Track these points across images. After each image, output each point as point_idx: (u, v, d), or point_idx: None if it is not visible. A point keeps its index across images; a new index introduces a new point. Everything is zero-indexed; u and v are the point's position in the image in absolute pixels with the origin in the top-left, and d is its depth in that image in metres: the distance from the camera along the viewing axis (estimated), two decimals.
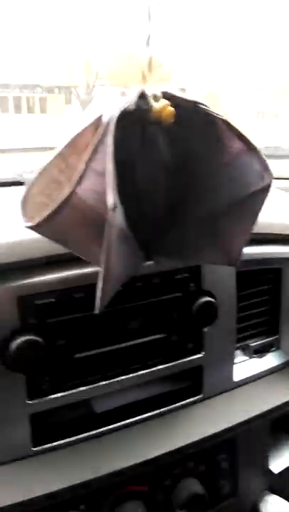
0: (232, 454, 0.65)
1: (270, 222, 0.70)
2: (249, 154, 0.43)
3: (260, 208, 0.46)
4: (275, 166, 1.32)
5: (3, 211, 0.70)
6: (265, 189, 0.44)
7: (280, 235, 0.71)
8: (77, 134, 0.38)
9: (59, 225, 0.37)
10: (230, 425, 0.63)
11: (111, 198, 0.33)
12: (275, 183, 1.22)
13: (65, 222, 0.36)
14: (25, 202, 0.38)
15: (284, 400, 0.68)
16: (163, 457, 0.58)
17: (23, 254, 0.50)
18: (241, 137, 0.42)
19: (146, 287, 0.57)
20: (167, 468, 0.60)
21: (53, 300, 0.51)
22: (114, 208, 0.34)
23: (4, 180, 0.97)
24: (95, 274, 0.51)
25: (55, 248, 0.51)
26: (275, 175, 1.26)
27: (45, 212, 0.36)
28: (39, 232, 0.39)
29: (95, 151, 0.35)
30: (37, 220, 0.36)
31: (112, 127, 0.35)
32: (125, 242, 0.40)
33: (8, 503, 0.49)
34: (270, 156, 1.32)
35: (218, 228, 0.47)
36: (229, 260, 0.49)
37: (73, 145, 0.39)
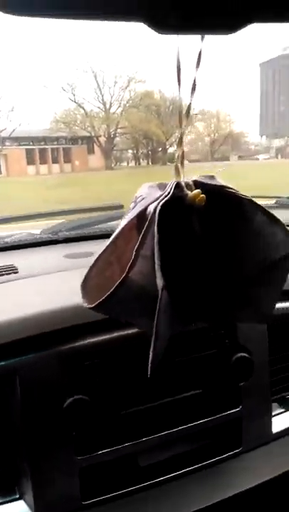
0: (272, 507, 0.66)
1: None
2: (273, 225, 0.48)
3: (287, 272, 0.50)
4: None
5: (47, 277, 0.77)
6: None
7: None
8: (126, 224, 0.45)
9: (114, 303, 0.42)
10: (269, 478, 0.64)
11: (160, 280, 0.39)
12: None
13: (119, 300, 0.42)
14: (85, 284, 0.44)
15: None
16: (207, 510, 0.60)
17: (69, 320, 0.56)
18: (264, 211, 0.47)
19: (184, 345, 0.61)
20: None
21: (99, 361, 0.56)
22: (164, 288, 0.39)
23: (40, 240, 1.04)
24: (135, 336, 0.57)
25: (98, 314, 0.56)
26: None
27: (103, 295, 0.41)
28: (98, 311, 0.45)
29: (143, 238, 0.41)
30: (96, 301, 0.42)
31: (156, 218, 0.41)
32: (171, 311, 0.45)
33: None
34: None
35: (251, 291, 0.51)
36: (261, 318, 0.53)
37: (121, 231, 0.45)
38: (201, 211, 0.45)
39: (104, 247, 0.45)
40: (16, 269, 0.80)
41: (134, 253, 0.40)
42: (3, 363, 0.53)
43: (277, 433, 0.70)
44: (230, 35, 0.43)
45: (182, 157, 0.46)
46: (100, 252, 0.45)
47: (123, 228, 0.44)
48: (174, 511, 0.59)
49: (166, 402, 0.61)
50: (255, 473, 0.66)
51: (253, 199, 0.47)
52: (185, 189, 0.44)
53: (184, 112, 0.46)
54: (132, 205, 0.45)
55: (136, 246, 0.40)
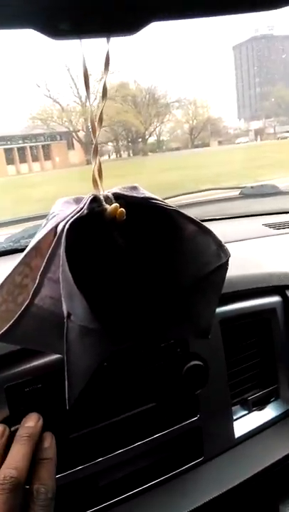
0: None
1: (251, 275, 0.72)
2: (204, 236, 0.45)
3: (222, 282, 0.48)
4: (263, 203, 1.35)
5: None
6: (223, 266, 0.46)
7: (266, 287, 0.73)
8: (38, 241, 0.42)
9: (21, 334, 0.39)
10: (234, 485, 0.63)
11: (65, 307, 0.36)
12: (264, 219, 1.24)
13: (27, 329, 0.39)
14: None
15: (287, 451, 0.68)
16: None
17: (6, 346, 0.53)
18: (194, 221, 0.45)
19: (132, 358, 0.59)
20: None
21: (40, 386, 0.54)
22: (69, 315, 0.36)
23: (2, 249, 1.01)
24: None
25: None
26: (265, 210, 1.29)
27: (6, 325, 0.39)
28: (4, 342, 0.42)
29: (49, 262, 0.38)
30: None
31: (63, 240, 0.38)
32: (88, 336, 0.42)
33: None
34: (255, 195, 1.35)
35: (185, 304, 0.49)
36: (200, 332, 0.50)
37: (36, 250, 0.42)
38: (122, 225, 0.43)
39: (11, 270, 0.42)
40: None
41: (38, 277, 0.37)
42: None
43: (240, 437, 0.69)
44: (133, 36, 0.40)
45: (99, 168, 0.43)
46: (6, 277, 0.42)
47: (37, 247, 0.41)
48: None
49: (120, 419, 0.59)
50: (220, 481, 0.64)
51: (180, 211, 0.45)
52: (104, 203, 0.41)
53: (96, 120, 0.43)
54: (44, 222, 0.42)
55: (40, 270, 0.38)
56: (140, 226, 0.45)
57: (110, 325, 0.46)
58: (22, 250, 1.03)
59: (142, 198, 0.43)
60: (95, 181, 0.43)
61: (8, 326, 0.38)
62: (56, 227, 0.40)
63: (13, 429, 0.51)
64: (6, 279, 0.42)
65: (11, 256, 1.00)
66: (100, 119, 0.43)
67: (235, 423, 0.69)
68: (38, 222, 1.44)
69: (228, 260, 0.46)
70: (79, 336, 0.39)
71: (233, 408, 0.70)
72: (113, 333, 0.47)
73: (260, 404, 0.74)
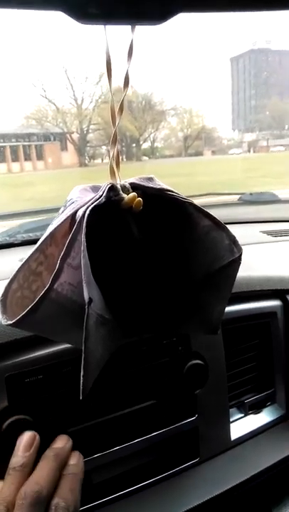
0: None
1: (251, 277, 0.72)
2: (218, 231, 0.45)
3: (234, 278, 0.48)
4: (261, 210, 1.36)
5: None
6: (236, 261, 0.46)
7: (267, 290, 0.73)
8: (55, 228, 0.41)
9: (38, 319, 0.38)
10: (228, 487, 0.62)
11: (86, 293, 0.36)
12: (261, 227, 1.25)
13: (45, 316, 0.38)
14: (5, 299, 0.41)
15: (282, 456, 0.68)
16: None
17: (8, 335, 0.52)
18: (209, 216, 0.45)
19: (134, 355, 0.58)
20: None
21: (41, 377, 0.53)
22: (90, 301, 0.36)
23: None
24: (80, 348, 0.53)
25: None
26: (263, 218, 1.29)
27: (24, 310, 0.38)
28: (20, 328, 0.41)
29: (69, 247, 0.37)
30: (16, 317, 0.38)
31: (83, 225, 0.37)
32: (104, 326, 0.41)
33: None
34: (254, 202, 1.36)
35: (196, 299, 0.48)
36: (210, 328, 0.50)
37: (52, 237, 0.42)
38: (138, 216, 0.42)
39: (27, 256, 0.41)
40: None
41: (58, 261, 0.37)
42: None
43: (236, 439, 0.69)
44: (160, 25, 0.40)
45: (117, 156, 0.42)
46: (22, 262, 0.41)
47: (53, 234, 0.41)
48: None
49: (118, 415, 0.58)
50: (215, 482, 0.63)
51: (196, 204, 0.45)
52: (121, 192, 0.41)
53: (117, 108, 0.43)
54: (61, 209, 0.41)
55: (61, 254, 0.37)
56: (155, 217, 0.45)
57: (122, 316, 0.46)
58: (18, 245, 1.04)
59: (159, 189, 0.43)
60: (112, 170, 0.42)
61: (26, 310, 0.37)
62: (75, 213, 0.40)
63: (10, 420, 0.50)
64: (22, 265, 0.41)
65: (6, 250, 0.99)
66: (121, 109, 0.43)
67: (231, 425, 0.69)
68: (34, 218, 1.43)
69: (240, 256, 0.46)
70: (95, 325, 0.38)
71: (229, 410, 0.69)
72: (125, 325, 0.47)
73: (256, 408, 0.73)
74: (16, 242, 1.00)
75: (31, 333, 0.53)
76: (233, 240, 0.46)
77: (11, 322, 0.38)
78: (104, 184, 0.41)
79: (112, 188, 0.41)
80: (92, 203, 0.39)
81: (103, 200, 0.40)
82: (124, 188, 0.42)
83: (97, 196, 0.40)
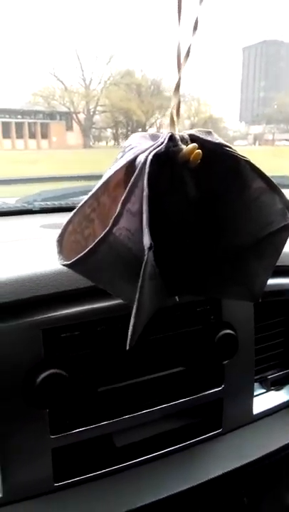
0: (253, 489, 0.64)
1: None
2: (271, 194, 0.44)
3: (283, 246, 0.47)
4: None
5: (22, 243, 0.72)
6: (287, 228, 0.45)
7: None
8: (110, 176, 0.39)
9: (94, 263, 0.37)
10: (250, 460, 0.62)
11: (147, 238, 0.34)
12: None
13: (100, 260, 0.37)
14: (61, 240, 0.39)
15: None
16: (182, 494, 0.57)
17: (47, 288, 0.51)
18: (263, 177, 0.43)
19: (167, 320, 0.57)
20: (187, 505, 0.59)
21: (77, 333, 0.52)
22: (151, 247, 0.34)
23: (14, 209, 0.99)
24: (117, 307, 0.52)
25: (78, 282, 0.52)
26: None
27: (83, 251, 0.37)
28: (75, 270, 0.40)
29: (130, 192, 0.36)
30: (74, 258, 0.37)
31: (146, 170, 0.36)
32: (155, 278, 0.40)
33: None
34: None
35: (242, 265, 0.47)
36: (252, 296, 0.49)
37: (106, 185, 0.40)
38: (194, 169, 0.41)
39: (83, 201, 0.40)
40: None
41: (119, 206, 0.35)
42: None
43: (257, 414, 0.68)
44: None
45: (178, 106, 0.41)
46: (78, 206, 0.40)
47: (108, 182, 0.39)
48: (153, 493, 0.56)
49: (147, 379, 0.57)
50: (236, 455, 0.63)
51: (252, 162, 0.43)
52: (180, 143, 0.39)
53: (183, 53, 0.41)
54: (120, 154, 0.40)
55: (122, 198, 0.36)
56: (210, 173, 0.43)
57: (167, 274, 0.45)
58: (36, 212, 1.02)
59: (217, 143, 0.41)
60: (172, 120, 0.41)
61: (86, 251, 0.36)
62: (135, 159, 0.38)
63: (46, 374, 0.49)
64: (78, 209, 0.40)
65: (25, 216, 0.98)
66: (187, 55, 0.41)
67: (253, 399, 0.69)
68: (51, 186, 1.42)
69: None
70: (149, 275, 0.37)
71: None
72: (169, 283, 0.45)
73: (278, 385, 0.73)
74: (34, 209, 0.98)
75: (68, 288, 0.52)
76: (286, 205, 0.45)
77: (67, 263, 0.37)
78: (164, 133, 0.40)
79: (172, 138, 0.39)
80: (154, 149, 0.38)
81: (163, 149, 0.38)
82: (182, 139, 0.40)
83: (158, 143, 0.39)
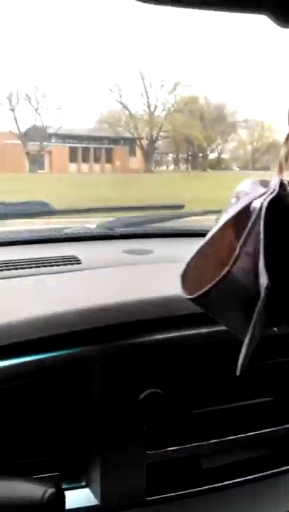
0: None
1: None
2: None
3: None
4: None
5: (111, 270, 0.77)
6: None
7: None
8: (229, 219, 0.44)
9: (213, 297, 0.41)
10: None
11: (265, 278, 0.38)
12: None
13: (218, 296, 0.41)
14: (185, 274, 0.44)
15: None
16: None
17: (153, 312, 0.56)
18: None
19: (260, 349, 0.60)
20: None
21: (176, 356, 0.56)
22: (268, 287, 0.38)
23: (97, 234, 1.05)
24: (217, 334, 0.56)
25: (179, 310, 0.56)
26: None
27: (199, 287, 0.41)
28: (196, 303, 0.44)
29: (248, 236, 0.40)
30: (197, 293, 0.41)
31: (262, 214, 0.40)
32: (264, 312, 0.44)
33: None
34: None
35: None
36: None
37: (223, 228, 0.45)
38: None
39: (204, 241, 0.44)
40: (79, 260, 0.81)
41: (238, 248, 0.40)
42: (85, 349, 0.53)
43: None
44: None
45: (287, 155, 0.45)
46: (199, 246, 0.44)
47: (225, 224, 0.44)
48: None
49: (237, 406, 0.60)
50: None
51: None
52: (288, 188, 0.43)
53: None
54: (234, 200, 0.44)
55: (240, 241, 0.40)
56: None
57: (274, 306, 0.48)
58: (116, 237, 1.07)
59: None
60: (280, 167, 0.45)
61: (208, 287, 0.40)
62: (250, 204, 0.42)
63: (147, 392, 0.53)
64: (199, 249, 0.44)
65: (108, 241, 1.04)
66: None
67: None
68: (129, 214, 1.48)
69: None
70: (263, 310, 0.41)
71: None
72: (273, 314, 0.49)
73: None
74: (115, 234, 1.04)
75: (170, 314, 0.56)
76: None
77: (192, 297, 0.41)
78: (274, 180, 0.43)
79: (282, 184, 0.43)
80: (268, 196, 0.42)
81: (275, 195, 0.42)
82: None
83: (271, 190, 0.42)
